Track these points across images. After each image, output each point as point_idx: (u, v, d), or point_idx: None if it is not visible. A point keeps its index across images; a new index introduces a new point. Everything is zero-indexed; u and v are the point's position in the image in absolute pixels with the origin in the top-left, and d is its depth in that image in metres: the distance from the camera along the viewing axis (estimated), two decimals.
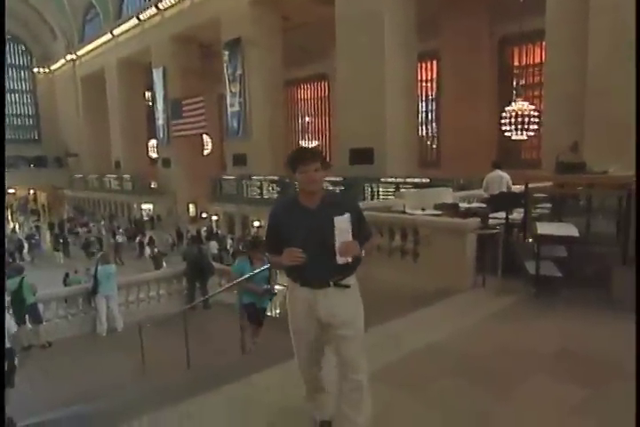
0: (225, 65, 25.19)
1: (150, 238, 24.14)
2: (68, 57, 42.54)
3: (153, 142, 35.90)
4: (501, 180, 7.87)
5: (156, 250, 22.23)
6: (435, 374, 3.51)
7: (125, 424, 2.97)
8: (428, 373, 3.53)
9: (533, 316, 4.73)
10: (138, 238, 24.51)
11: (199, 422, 2.97)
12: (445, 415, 2.96)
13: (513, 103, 15.41)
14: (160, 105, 32.11)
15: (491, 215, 6.70)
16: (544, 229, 5.36)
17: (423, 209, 7.06)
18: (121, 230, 27.13)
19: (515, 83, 19.25)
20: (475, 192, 10.37)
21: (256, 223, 24.06)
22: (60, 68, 45.46)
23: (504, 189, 7.58)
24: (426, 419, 2.93)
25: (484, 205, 7.67)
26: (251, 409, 3.08)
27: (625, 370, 3.41)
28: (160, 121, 32.28)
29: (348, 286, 2.43)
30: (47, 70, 47.63)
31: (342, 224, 2.30)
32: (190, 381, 4.17)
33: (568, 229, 5.29)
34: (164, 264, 20.22)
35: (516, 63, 20.38)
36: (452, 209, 6.86)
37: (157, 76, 31.45)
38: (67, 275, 16.19)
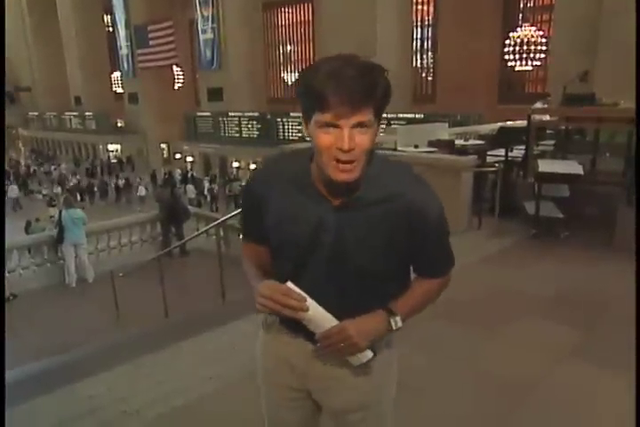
0: None
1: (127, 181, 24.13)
2: None
3: (117, 75, 34.51)
4: None
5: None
6: (422, 317, 3.61)
7: (101, 374, 3.04)
8: (417, 316, 3.62)
9: (530, 258, 4.84)
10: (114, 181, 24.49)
11: (178, 370, 3.06)
12: (431, 357, 3.08)
13: (519, 29, 14.98)
14: (122, 31, 30.58)
15: (489, 153, 6.69)
16: (546, 166, 5.36)
17: (416, 146, 7.02)
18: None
19: (521, 5, 18.61)
20: (472, 128, 10.29)
21: (235, 164, 23.84)
22: None
23: None
24: (412, 361, 3.04)
25: (481, 142, 7.65)
26: (230, 357, 3.16)
27: (619, 313, 3.55)
28: (123, 50, 30.89)
29: (370, 354, 1.29)
30: None
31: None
32: (169, 329, 4.26)
33: (572, 167, 5.31)
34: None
35: None
36: (448, 146, 6.82)
37: None
38: (28, 223, 16.07)
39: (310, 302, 1.19)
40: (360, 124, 1.09)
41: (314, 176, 1.24)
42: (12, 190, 23.75)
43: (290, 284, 1.21)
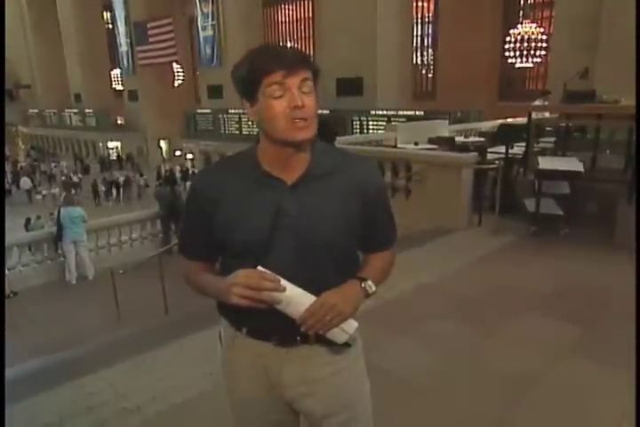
0: None
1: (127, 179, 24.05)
2: None
3: (116, 72, 34.48)
4: None
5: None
6: (422, 314, 3.61)
7: (101, 371, 3.04)
8: (417, 314, 3.63)
9: (530, 256, 4.83)
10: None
11: (178, 367, 3.05)
12: (432, 355, 3.08)
13: (519, 26, 14.94)
14: (122, 28, 30.54)
15: (489, 150, 6.69)
16: (546, 163, 5.36)
17: (416, 143, 7.01)
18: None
19: (522, 2, 18.57)
20: (472, 125, 10.27)
21: None
22: None
23: None
24: (412, 359, 3.04)
25: (482, 139, 7.65)
26: None
27: (619, 310, 3.54)
28: (123, 47, 30.87)
29: (346, 344, 1.32)
30: None
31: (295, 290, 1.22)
32: (169, 326, 4.25)
33: (572, 164, 5.30)
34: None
35: None
36: (448, 143, 6.82)
37: None
38: (28, 220, 16.05)
39: (285, 281, 1.19)
40: (305, 83, 1.19)
41: (263, 163, 1.28)
42: (25, 182, 23.93)
43: (260, 267, 1.21)
